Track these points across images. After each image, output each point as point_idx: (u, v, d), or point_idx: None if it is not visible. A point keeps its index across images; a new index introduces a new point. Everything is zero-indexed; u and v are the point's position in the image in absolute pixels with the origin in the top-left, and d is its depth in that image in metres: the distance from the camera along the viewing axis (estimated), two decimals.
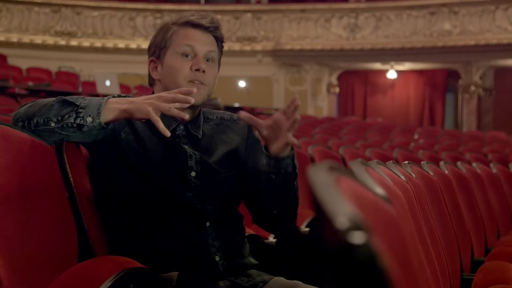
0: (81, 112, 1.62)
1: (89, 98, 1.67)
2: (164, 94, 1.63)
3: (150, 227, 1.77)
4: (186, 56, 1.82)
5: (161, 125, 1.57)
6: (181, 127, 1.84)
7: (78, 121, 1.62)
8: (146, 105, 1.60)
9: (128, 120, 1.79)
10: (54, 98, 1.67)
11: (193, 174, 1.80)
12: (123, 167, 1.78)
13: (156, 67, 1.86)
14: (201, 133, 1.85)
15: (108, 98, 1.66)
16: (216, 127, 1.90)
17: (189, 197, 1.79)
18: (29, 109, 1.67)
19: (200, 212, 1.79)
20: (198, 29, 1.84)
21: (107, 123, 1.65)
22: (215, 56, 1.85)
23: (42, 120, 1.63)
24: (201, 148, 1.84)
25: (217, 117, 1.93)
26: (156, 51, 1.85)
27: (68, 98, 1.66)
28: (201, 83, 1.81)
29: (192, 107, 1.82)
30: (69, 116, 1.62)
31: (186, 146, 1.82)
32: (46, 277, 1.54)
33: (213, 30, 1.85)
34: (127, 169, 1.78)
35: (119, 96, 1.86)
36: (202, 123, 1.88)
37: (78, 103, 1.63)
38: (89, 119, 1.61)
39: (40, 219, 1.63)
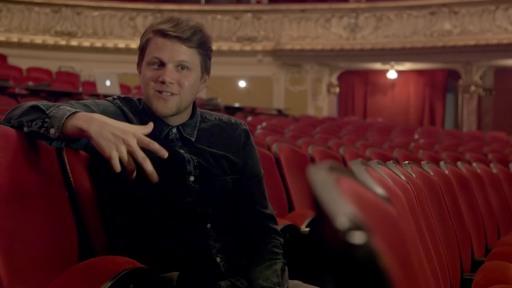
0: (46, 122, 1.56)
1: (63, 106, 1.60)
2: (141, 137, 1.56)
3: (150, 228, 1.77)
4: (159, 65, 1.76)
5: (117, 168, 1.52)
6: (174, 131, 1.81)
7: (42, 131, 1.56)
8: (112, 144, 1.52)
9: (127, 121, 1.78)
10: (33, 103, 1.62)
11: (191, 178, 1.79)
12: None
13: (139, 72, 1.84)
14: (195, 136, 1.83)
15: (76, 112, 1.58)
16: (213, 127, 1.88)
17: (189, 201, 1.78)
18: (11, 112, 1.64)
19: (200, 215, 1.79)
20: (168, 38, 1.75)
21: (71, 138, 1.60)
22: (190, 65, 1.77)
23: (17, 123, 1.60)
24: (196, 151, 1.82)
25: (215, 118, 1.91)
26: (139, 56, 1.82)
27: (40, 104, 1.60)
28: (169, 94, 1.76)
29: (169, 115, 1.78)
30: (36, 124, 1.57)
31: (181, 151, 1.80)
32: (46, 277, 1.54)
33: (186, 40, 1.76)
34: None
35: (118, 98, 1.86)
36: (198, 124, 1.86)
37: (48, 112, 1.57)
38: (52, 131, 1.55)
39: (40, 219, 1.63)
